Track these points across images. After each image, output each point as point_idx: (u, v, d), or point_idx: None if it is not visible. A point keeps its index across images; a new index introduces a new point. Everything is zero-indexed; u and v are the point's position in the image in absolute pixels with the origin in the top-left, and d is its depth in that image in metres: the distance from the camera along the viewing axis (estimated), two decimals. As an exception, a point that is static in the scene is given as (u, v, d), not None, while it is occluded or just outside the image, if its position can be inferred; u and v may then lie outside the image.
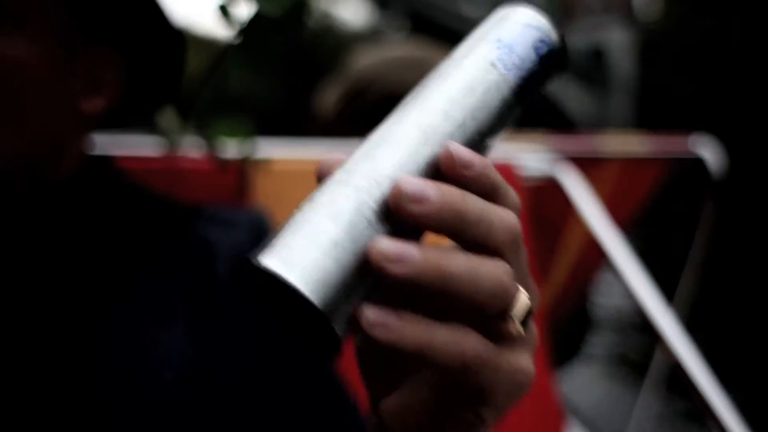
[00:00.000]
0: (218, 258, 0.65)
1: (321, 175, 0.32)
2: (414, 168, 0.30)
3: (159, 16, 0.64)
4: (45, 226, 0.61)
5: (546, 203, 1.03)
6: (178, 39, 0.67)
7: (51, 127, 0.60)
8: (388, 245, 0.27)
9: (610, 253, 1.00)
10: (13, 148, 0.57)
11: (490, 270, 0.29)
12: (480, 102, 0.33)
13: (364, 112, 1.28)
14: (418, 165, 0.30)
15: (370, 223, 0.28)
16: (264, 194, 0.89)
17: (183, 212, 0.68)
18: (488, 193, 0.30)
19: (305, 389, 0.64)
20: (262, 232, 0.70)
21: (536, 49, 0.35)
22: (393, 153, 0.30)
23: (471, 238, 0.29)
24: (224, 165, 0.84)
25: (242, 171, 0.87)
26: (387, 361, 0.33)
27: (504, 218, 0.30)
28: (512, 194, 0.32)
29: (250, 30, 0.61)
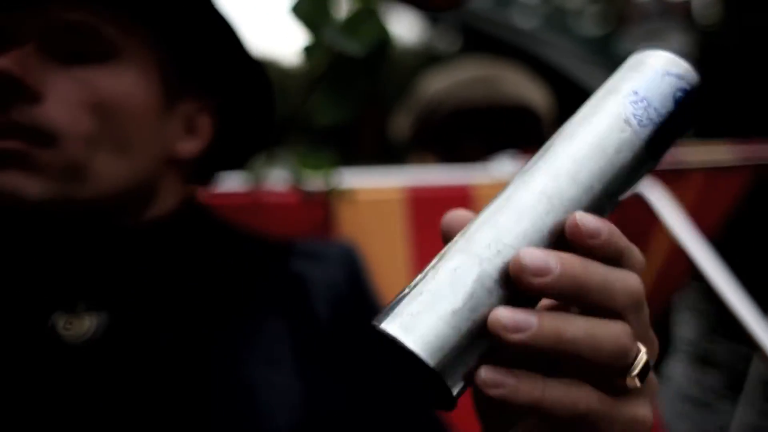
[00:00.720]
0: (314, 295, 0.65)
1: (446, 229, 0.33)
2: (537, 237, 0.30)
3: (252, 64, 0.66)
4: (144, 266, 0.62)
5: (630, 217, 1.00)
6: (269, 87, 0.69)
7: (150, 165, 0.62)
8: (506, 315, 0.28)
9: (699, 265, 0.97)
10: (118, 179, 0.59)
11: (610, 333, 0.29)
12: (610, 163, 0.31)
13: (434, 130, 1.30)
14: (542, 234, 0.30)
15: (490, 292, 0.29)
16: (348, 225, 0.90)
17: (276, 249, 0.68)
18: (612, 258, 0.30)
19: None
20: (354, 266, 0.71)
21: (676, 98, 0.33)
22: (516, 222, 0.30)
23: (591, 305, 0.30)
24: (309, 198, 0.86)
25: (326, 202, 0.89)
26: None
27: (626, 282, 0.30)
28: (636, 255, 0.32)
29: (334, 70, 0.63)
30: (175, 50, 0.64)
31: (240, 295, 0.62)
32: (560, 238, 0.30)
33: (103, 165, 0.57)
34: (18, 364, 0.55)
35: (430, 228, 0.91)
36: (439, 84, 1.31)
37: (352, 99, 0.64)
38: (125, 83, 0.58)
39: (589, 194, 0.31)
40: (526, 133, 1.23)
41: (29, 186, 0.54)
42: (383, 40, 0.64)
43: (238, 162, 0.79)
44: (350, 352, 0.64)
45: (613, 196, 0.32)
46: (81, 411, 0.53)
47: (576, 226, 0.29)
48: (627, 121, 0.32)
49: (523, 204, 0.31)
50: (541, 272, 0.28)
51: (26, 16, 0.56)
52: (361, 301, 0.68)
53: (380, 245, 0.89)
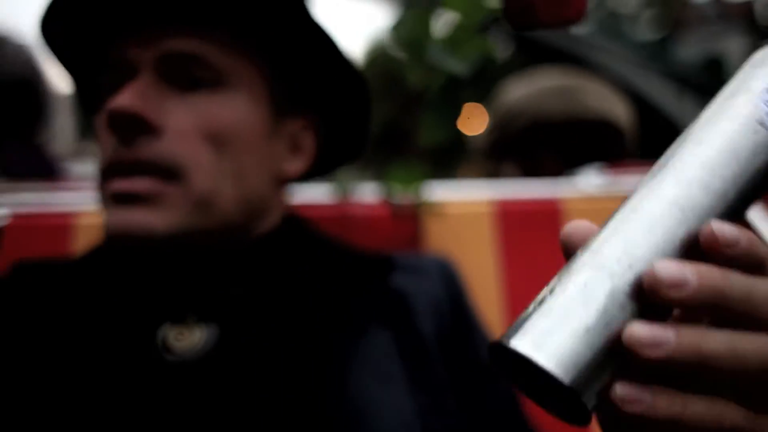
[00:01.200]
0: (417, 311, 0.65)
1: (566, 242, 0.33)
2: (670, 248, 0.29)
3: (355, 77, 0.68)
4: (253, 280, 0.64)
5: None
6: (369, 102, 0.71)
7: (261, 186, 0.64)
8: (643, 331, 0.27)
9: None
10: (231, 202, 0.61)
11: (755, 346, 0.28)
12: (744, 168, 0.30)
13: (512, 141, 1.29)
14: (675, 245, 0.29)
15: (622, 307, 0.29)
16: (437, 238, 0.91)
17: (377, 263, 0.69)
18: (752, 268, 0.29)
19: None
20: (453, 281, 0.71)
21: None
22: (647, 233, 0.29)
23: (732, 316, 0.29)
24: (400, 212, 0.86)
25: (415, 215, 0.89)
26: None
27: None
28: None
29: (442, 90, 0.63)
30: (280, 70, 0.66)
31: (347, 309, 0.62)
32: (694, 249, 0.29)
33: (224, 193, 0.59)
34: (129, 377, 0.57)
35: (519, 241, 0.91)
36: (518, 94, 1.31)
37: (456, 118, 0.65)
38: (237, 109, 0.60)
39: (723, 202, 0.30)
40: (607, 148, 1.21)
41: (158, 223, 0.56)
42: (488, 57, 0.65)
43: (327, 171, 0.80)
44: (456, 369, 0.64)
45: (748, 201, 0.31)
46: (193, 424, 0.54)
47: (712, 235, 0.29)
48: (761, 122, 0.30)
49: (652, 215, 0.30)
50: (678, 285, 0.27)
51: (141, 48, 0.59)
52: (462, 317, 0.68)
53: (469, 258, 0.89)
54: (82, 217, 0.94)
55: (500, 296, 0.88)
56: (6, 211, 0.94)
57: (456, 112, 0.64)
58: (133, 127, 0.56)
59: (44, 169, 1.39)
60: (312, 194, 0.95)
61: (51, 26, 0.63)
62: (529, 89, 1.31)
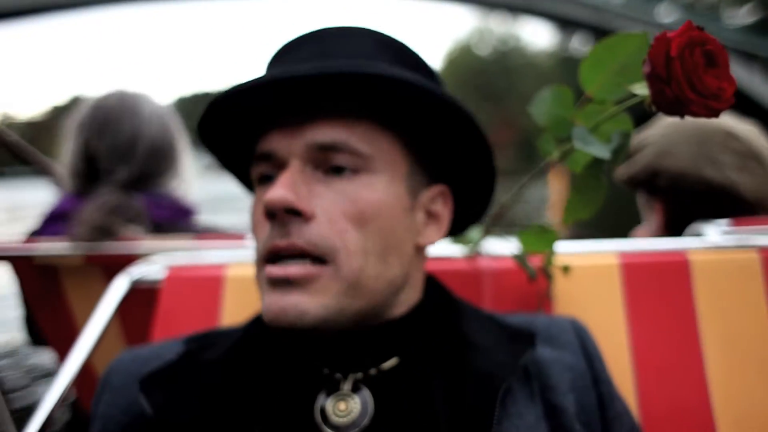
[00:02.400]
0: (560, 385, 0.67)
1: None
2: None
3: (486, 146, 0.72)
4: (407, 354, 0.67)
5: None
6: (494, 164, 0.75)
7: (403, 261, 0.67)
8: None
9: None
10: (377, 280, 0.64)
11: None
12: None
13: (634, 174, 1.29)
14: None
15: None
16: (565, 292, 0.93)
17: (526, 337, 0.69)
18: None
19: None
20: (588, 351, 0.72)
21: None
22: None
23: None
24: (533, 275, 0.89)
25: (544, 272, 0.92)
26: None
27: None
28: None
29: (585, 171, 0.66)
30: (419, 148, 0.71)
31: (499, 384, 0.62)
32: None
33: (370, 273, 0.63)
34: None
35: (648, 295, 0.91)
36: (657, 125, 1.30)
37: (599, 196, 0.67)
38: (379, 191, 0.65)
39: None
40: (727, 213, 1.18)
41: (311, 306, 0.60)
42: (626, 132, 0.67)
43: (457, 233, 0.84)
44: None
45: None
46: None
47: None
48: None
49: None
50: None
51: (289, 140, 0.65)
52: (602, 392, 0.69)
53: (599, 314, 0.91)
54: (231, 268, 1.03)
55: (630, 351, 0.89)
56: (162, 270, 1.03)
57: (601, 192, 0.66)
58: (288, 216, 0.62)
59: (183, 212, 1.52)
60: (440, 249, 0.99)
61: (209, 128, 0.71)
62: (672, 123, 1.27)
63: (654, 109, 0.60)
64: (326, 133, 0.63)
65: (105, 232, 1.32)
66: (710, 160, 1.20)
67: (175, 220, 1.48)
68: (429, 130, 0.69)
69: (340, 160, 0.64)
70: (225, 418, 0.63)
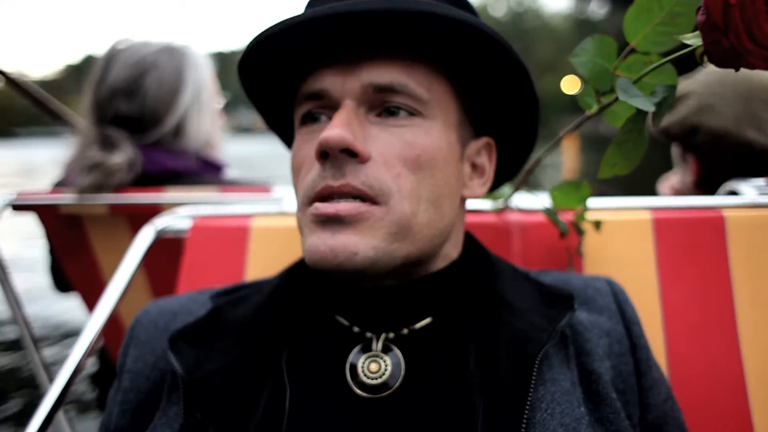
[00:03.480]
0: (596, 350, 0.65)
1: None
2: None
3: (535, 102, 0.69)
4: (444, 312, 0.65)
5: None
6: (538, 120, 0.72)
7: (451, 211, 0.65)
8: None
9: None
10: (427, 227, 0.62)
11: None
12: None
13: (671, 125, 1.25)
14: None
15: None
16: (598, 249, 0.91)
17: (565, 299, 0.67)
18: None
19: None
20: (626, 315, 0.70)
21: None
22: None
23: None
24: (565, 231, 0.87)
25: (576, 227, 0.90)
26: None
27: None
28: None
29: (626, 125, 0.63)
30: (472, 97, 0.69)
31: (537, 347, 0.60)
32: None
33: (422, 220, 0.61)
34: (320, 404, 0.60)
35: (681, 252, 0.90)
36: (701, 74, 1.25)
37: (639, 151, 0.65)
38: (434, 136, 0.62)
39: None
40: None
41: (362, 248, 0.58)
42: (671, 85, 0.64)
43: (495, 188, 0.83)
44: (632, 412, 0.64)
45: None
46: None
47: None
48: None
49: None
50: None
51: (343, 79, 0.62)
52: (639, 358, 0.68)
53: (630, 271, 0.89)
54: (256, 219, 1.02)
55: (661, 309, 0.88)
56: (187, 221, 1.03)
57: (642, 147, 0.64)
58: (343, 157, 0.59)
59: (210, 167, 1.51)
60: (469, 202, 0.97)
61: (249, 63, 0.67)
62: (718, 73, 1.22)
63: (705, 60, 0.57)
64: (384, 74, 0.61)
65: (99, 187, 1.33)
66: (754, 121, 1.16)
67: (202, 173, 1.47)
68: (484, 78, 0.67)
69: (397, 102, 0.61)
70: (255, 376, 0.62)
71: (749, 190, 1.02)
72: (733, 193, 1.05)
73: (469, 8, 0.69)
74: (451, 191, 0.65)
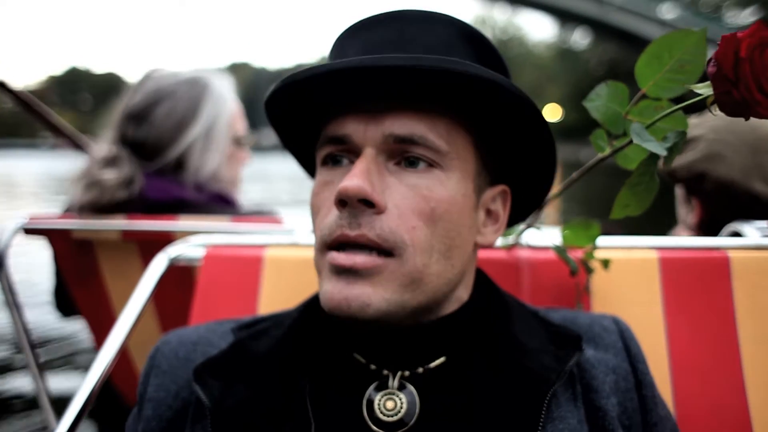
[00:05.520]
0: (602, 388, 0.66)
1: None
2: None
3: (551, 147, 0.71)
4: (455, 353, 0.67)
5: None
6: (554, 166, 0.74)
7: (464, 259, 0.67)
8: None
9: None
10: (439, 277, 0.64)
11: None
12: None
13: (678, 168, 1.27)
14: None
15: None
16: (599, 284, 0.93)
17: (573, 340, 0.68)
18: None
19: None
20: (632, 352, 0.72)
21: None
22: None
23: None
24: (575, 269, 0.89)
25: (584, 266, 0.92)
26: None
27: None
28: None
29: (639, 168, 0.65)
30: (489, 146, 0.70)
31: (546, 385, 0.62)
32: None
33: (434, 272, 0.63)
34: None
35: (687, 292, 0.91)
36: (706, 119, 1.27)
37: (650, 193, 0.67)
38: (451, 188, 0.64)
39: None
40: None
41: (375, 300, 0.60)
42: (682, 131, 0.67)
43: (508, 227, 0.84)
44: None
45: None
46: None
47: None
48: None
49: None
50: None
51: (366, 126, 0.64)
52: (644, 395, 0.69)
53: (637, 309, 0.91)
54: (269, 249, 1.04)
55: (667, 348, 0.89)
56: (201, 249, 1.05)
57: (653, 189, 0.66)
58: (360, 207, 0.60)
59: (222, 200, 1.54)
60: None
61: (276, 101, 0.70)
62: (726, 120, 1.24)
63: (715, 109, 0.59)
64: (406, 126, 0.62)
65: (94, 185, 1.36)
66: (761, 173, 1.18)
67: (210, 203, 1.49)
68: (503, 129, 0.69)
69: (417, 153, 0.63)
70: (279, 408, 0.63)
71: (752, 231, 1.04)
72: (737, 234, 1.07)
73: (494, 57, 0.71)
74: (464, 241, 0.67)
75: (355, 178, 0.60)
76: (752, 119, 0.58)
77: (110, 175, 1.37)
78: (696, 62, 0.69)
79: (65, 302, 1.62)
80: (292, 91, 0.67)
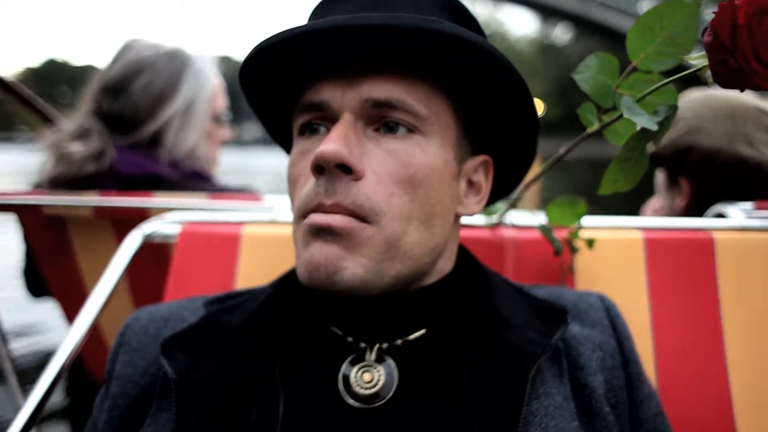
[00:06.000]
0: (589, 364, 0.65)
1: None
2: None
3: (534, 120, 0.70)
4: (436, 324, 0.65)
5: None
6: (536, 138, 0.73)
7: (444, 229, 0.65)
8: None
9: None
10: (418, 245, 0.62)
11: None
12: None
13: (661, 149, 1.27)
14: None
15: None
16: (589, 267, 0.92)
17: (558, 313, 0.66)
18: None
19: None
20: (618, 329, 0.71)
21: None
22: None
23: None
24: (559, 249, 0.88)
25: (569, 244, 0.91)
26: None
27: None
28: None
29: (628, 143, 0.64)
30: (471, 114, 0.68)
31: (530, 360, 0.60)
32: None
33: (413, 240, 0.61)
34: (312, 416, 0.59)
35: (671, 273, 0.91)
36: (687, 98, 1.27)
37: (640, 169, 0.65)
38: (431, 154, 0.62)
39: None
40: (758, 192, 1.17)
41: (351, 264, 0.57)
42: (672, 105, 0.65)
43: (491, 204, 0.83)
44: (623, 426, 0.65)
45: None
46: None
47: None
48: None
49: None
50: None
51: (343, 92, 0.61)
52: (630, 372, 0.68)
53: (621, 290, 0.90)
54: (246, 227, 1.01)
55: (651, 329, 0.88)
56: (176, 227, 1.02)
57: (642, 165, 0.64)
58: (338, 172, 0.59)
59: (198, 176, 1.50)
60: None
61: (251, 69, 0.67)
62: (698, 98, 1.25)
63: (710, 80, 0.58)
64: (384, 89, 0.61)
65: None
66: (746, 138, 1.19)
67: (188, 180, 1.45)
68: (484, 96, 0.67)
69: (396, 117, 0.61)
70: (248, 383, 0.61)
71: (737, 213, 1.03)
72: (721, 215, 1.06)
73: (473, 25, 0.69)
74: (445, 210, 0.65)
75: (332, 143, 0.58)
76: (720, 92, 0.57)
77: (78, 148, 1.33)
78: (688, 34, 0.67)
79: (36, 282, 1.58)
80: (267, 57, 0.64)
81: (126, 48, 1.49)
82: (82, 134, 1.37)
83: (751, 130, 1.19)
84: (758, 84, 0.54)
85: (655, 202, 1.40)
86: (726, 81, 0.56)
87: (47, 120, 1.69)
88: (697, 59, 0.60)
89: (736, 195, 1.11)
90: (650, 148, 1.26)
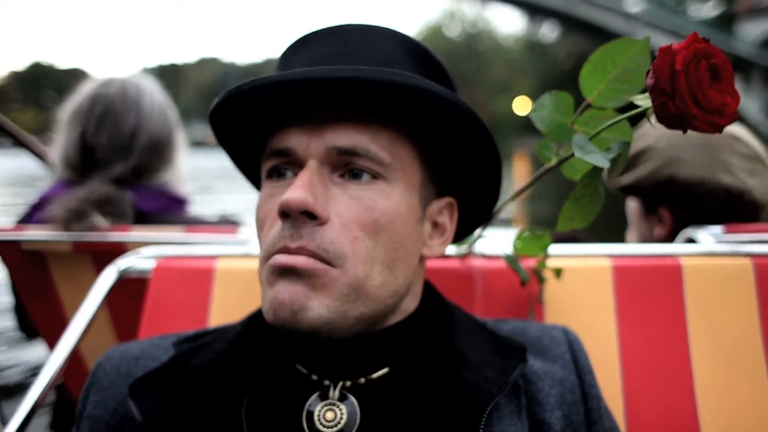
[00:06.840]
0: (548, 400, 0.66)
1: None
2: None
3: (497, 161, 0.71)
4: (399, 363, 0.66)
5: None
6: (500, 177, 0.74)
7: (408, 270, 0.67)
8: None
9: None
10: (387, 292, 0.63)
11: None
12: None
13: (638, 179, 1.27)
14: None
15: None
16: (552, 293, 0.92)
17: (518, 351, 0.68)
18: None
19: None
20: (579, 364, 0.71)
21: None
22: None
23: None
24: (525, 280, 0.89)
25: (537, 274, 0.92)
26: None
27: None
28: None
29: (583, 180, 0.65)
30: (435, 159, 0.70)
31: (487, 397, 0.62)
32: None
33: (376, 282, 0.62)
34: None
35: (640, 299, 0.92)
36: (661, 130, 1.28)
37: (596, 205, 0.66)
38: (395, 200, 0.64)
39: None
40: (733, 218, 1.17)
41: (315, 304, 0.59)
42: (626, 141, 0.66)
43: (457, 240, 0.84)
44: None
45: None
46: None
47: None
48: None
49: None
50: None
51: (309, 139, 0.63)
52: (590, 408, 0.69)
53: (589, 317, 0.91)
54: (220, 261, 1.02)
55: (619, 355, 0.89)
56: (151, 261, 1.02)
57: (598, 201, 0.66)
58: (302, 218, 0.60)
59: (176, 203, 1.51)
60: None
61: (220, 116, 0.69)
62: (663, 130, 1.25)
63: (655, 121, 0.59)
64: (348, 137, 0.62)
65: (78, 217, 1.30)
66: (724, 166, 1.19)
67: (167, 210, 1.46)
68: (447, 142, 0.68)
69: (360, 165, 0.62)
70: (214, 424, 0.62)
71: (706, 237, 1.05)
72: (692, 240, 1.08)
73: (438, 70, 0.70)
74: (408, 253, 0.66)
75: (297, 190, 0.59)
76: None
77: (103, 223, 1.32)
78: (639, 71, 0.68)
79: (28, 322, 1.57)
80: (236, 105, 0.66)
81: (90, 84, 1.51)
82: (105, 203, 1.35)
83: (728, 156, 1.20)
84: (698, 127, 0.56)
85: (630, 235, 1.41)
86: (669, 122, 0.58)
87: (41, 159, 1.71)
88: (643, 100, 0.61)
89: (718, 222, 1.11)
90: (629, 179, 1.28)
